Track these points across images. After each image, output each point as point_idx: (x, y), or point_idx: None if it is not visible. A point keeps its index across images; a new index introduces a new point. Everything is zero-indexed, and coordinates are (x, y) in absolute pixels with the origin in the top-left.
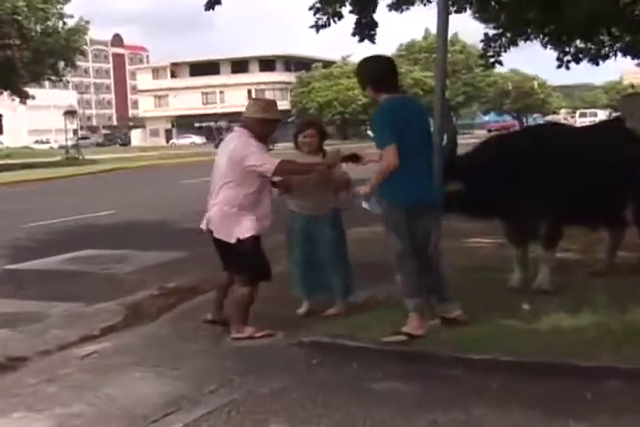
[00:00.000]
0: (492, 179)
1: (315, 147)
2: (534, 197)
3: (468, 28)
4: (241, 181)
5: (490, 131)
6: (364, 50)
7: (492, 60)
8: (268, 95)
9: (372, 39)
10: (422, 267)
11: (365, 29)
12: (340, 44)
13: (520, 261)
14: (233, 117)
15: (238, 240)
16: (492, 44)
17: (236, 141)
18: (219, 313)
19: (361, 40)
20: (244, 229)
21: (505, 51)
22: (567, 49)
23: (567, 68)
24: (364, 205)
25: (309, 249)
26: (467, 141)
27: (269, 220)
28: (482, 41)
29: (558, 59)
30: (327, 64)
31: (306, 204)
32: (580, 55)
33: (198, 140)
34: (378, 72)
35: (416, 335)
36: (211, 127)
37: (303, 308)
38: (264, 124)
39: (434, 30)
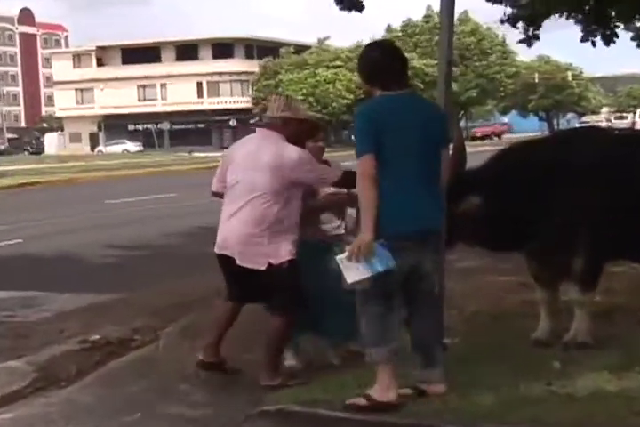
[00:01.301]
0: (513, 199)
1: None
2: (569, 221)
3: (481, 6)
4: (275, 195)
5: (474, 138)
6: (344, 32)
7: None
8: (224, 89)
9: (358, 7)
10: (419, 315)
11: None
12: (314, 25)
13: (549, 306)
14: (178, 118)
15: (270, 265)
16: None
17: (277, 148)
18: (213, 353)
19: (344, 7)
20: (279, 251)
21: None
22: (607, 31)
23: (607, 42)
24: (355, 274)
25: (321, 285)
26: (480, 149)
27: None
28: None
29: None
30: (300, 49)
31: (315, 229)
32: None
33: (133, 146)
34: (372, 61)
35: (381, 402)
36: (150, 131)
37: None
38: (292, 123)
39: (437, 7)
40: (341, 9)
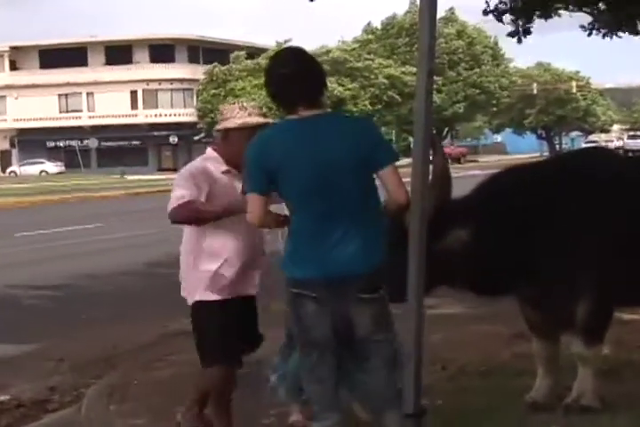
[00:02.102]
0: (507, 233)
1: None
2: (571, 259)
3: (468, 2)
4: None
5: None
6: (310, 33)
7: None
8: (163, 99)
9: None
10: (364, 377)
11: None
12: (274, 24)
13: (547, 361)
14: (108, 133)
15: (193, 303)
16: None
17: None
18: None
19: None
20: (195, 289)
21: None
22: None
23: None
24: None
25: None
26: (468, 174)
27: (239, 276)
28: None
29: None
30: (255, 53)
31: None
32: None
33: (52, 167)
34: (272, 76)
35: None
36: (73, 148)
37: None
38: (230, 135)
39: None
40: None
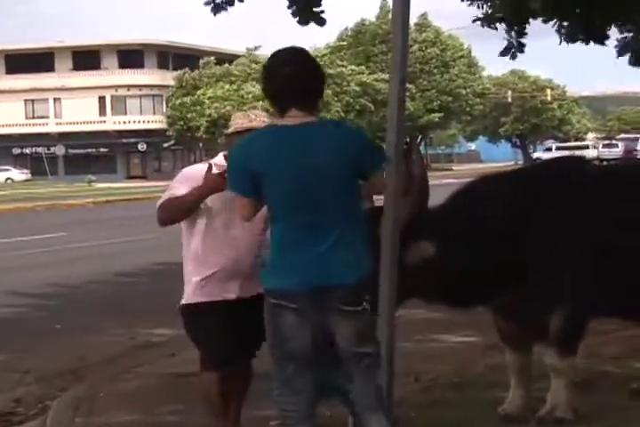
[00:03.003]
0: (480, 244)
1: None
2: (546, 271)
3: (444, 7)
4: (185, 227)
5: None
6: (279, 39)
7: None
8: (132, 105)
9: (318, 19)
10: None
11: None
12: (247, 30)
13: (520, 373)
14: (75, 140)
15: (180, 307)
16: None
17: None
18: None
19: (303, 21)
20: (186, 292)
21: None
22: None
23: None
24: None
25: None
26: (442, 182)
27: (225, 281)
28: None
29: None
30: (225, 59)
31: None
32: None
33: (18, 174)
34: (269, 77)
35: None
36: (40, 155)
37: None
38: (229, 142)
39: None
40: (300, 22)
